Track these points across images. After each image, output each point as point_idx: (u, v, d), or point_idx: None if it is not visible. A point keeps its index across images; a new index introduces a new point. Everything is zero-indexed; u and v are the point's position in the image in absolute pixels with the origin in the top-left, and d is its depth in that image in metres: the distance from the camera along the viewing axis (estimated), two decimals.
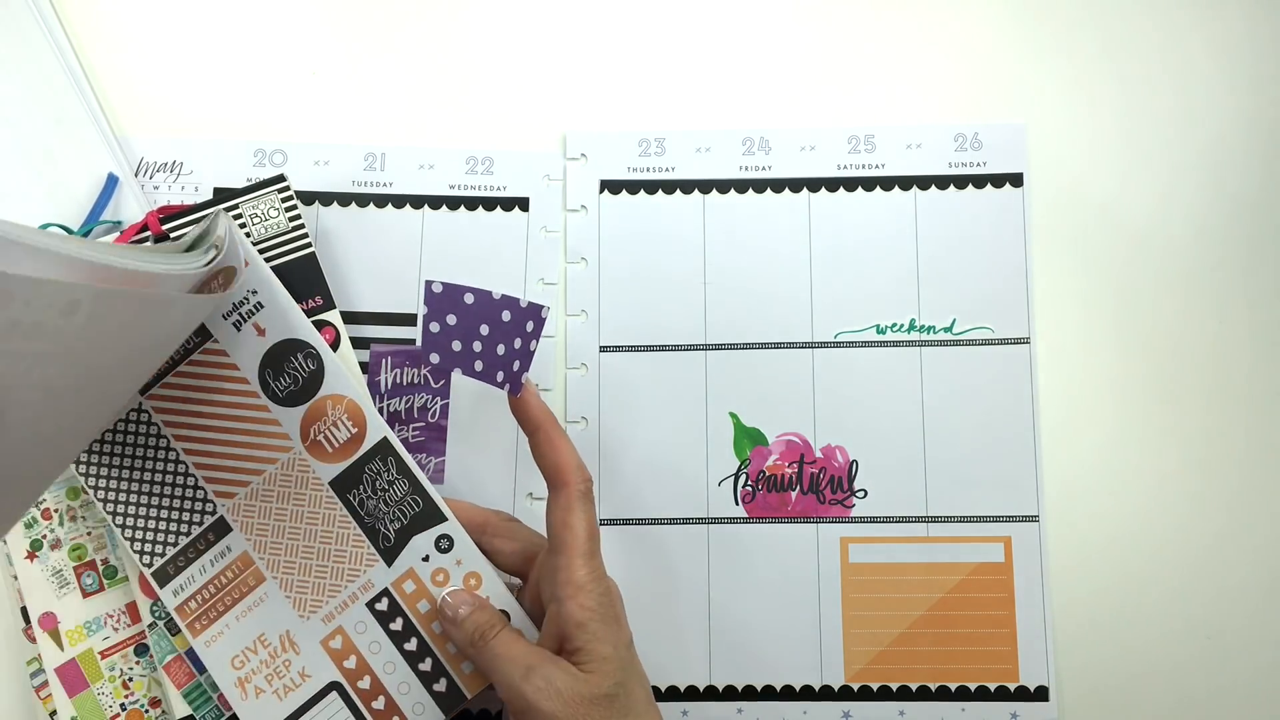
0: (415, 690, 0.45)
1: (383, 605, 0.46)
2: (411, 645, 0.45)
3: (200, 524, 0.46)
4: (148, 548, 0.46)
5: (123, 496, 0.47)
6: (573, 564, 0.41)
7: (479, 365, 0.43)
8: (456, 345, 0.43)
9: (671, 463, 0.52)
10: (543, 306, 0.43)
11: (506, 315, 0.43)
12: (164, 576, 0.46)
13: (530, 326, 0.43)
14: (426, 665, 0.45)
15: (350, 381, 0.47)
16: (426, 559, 0.46)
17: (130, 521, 0.46)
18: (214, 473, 0.47)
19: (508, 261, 0.53)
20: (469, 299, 0.42)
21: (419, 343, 0.43)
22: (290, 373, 0.47)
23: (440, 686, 0.45)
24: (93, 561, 0.48)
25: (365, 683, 0.45)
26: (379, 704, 0.45)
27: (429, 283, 0.42)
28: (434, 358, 0.43)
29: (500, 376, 0.44)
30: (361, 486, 0.46)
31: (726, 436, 0.52)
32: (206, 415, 0.47)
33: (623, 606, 0.44)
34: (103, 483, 0.47)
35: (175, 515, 0.46)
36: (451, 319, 0.42)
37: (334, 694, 0.45)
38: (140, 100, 0.55)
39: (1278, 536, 0.51)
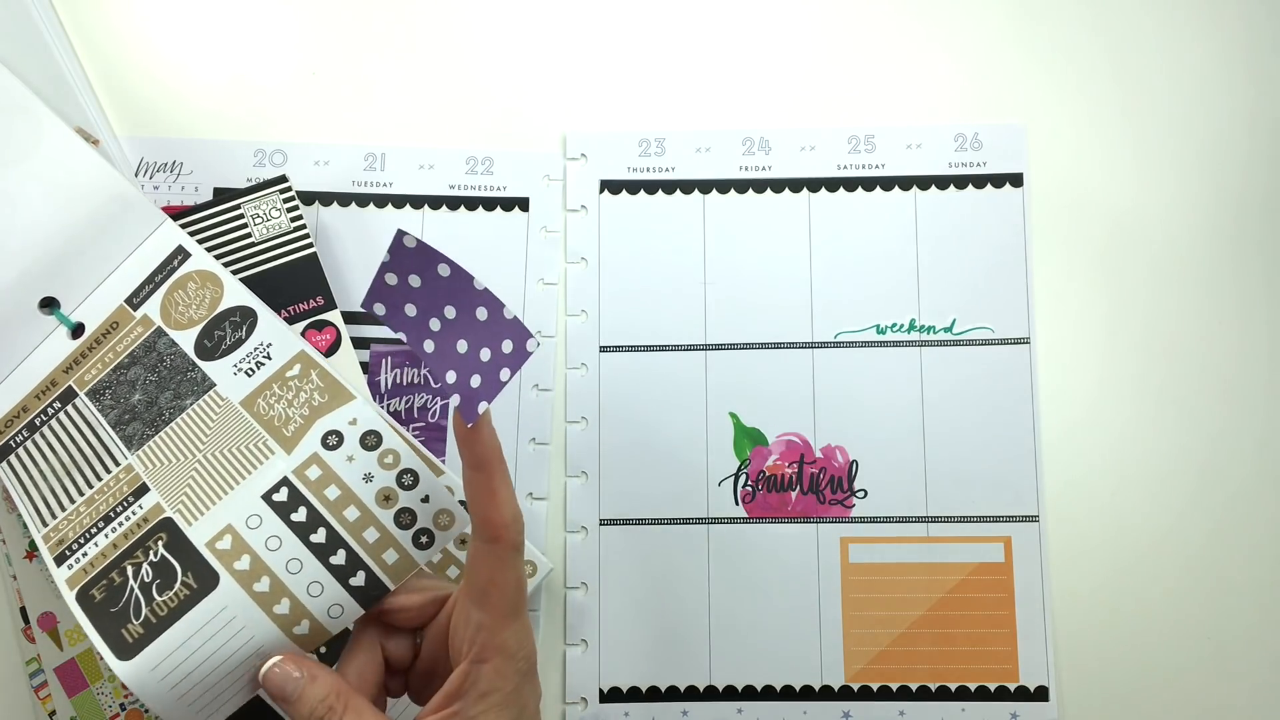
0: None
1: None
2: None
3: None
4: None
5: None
6: (498, 624, 0.37)
7: (429, 346, 0.36)
8: (410, 310, 0.36)
9: (671, 463, 0.52)
10: (531, 338, 0.35)
11: (483, 313, 0.36)
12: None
13: (509, 348, 0.35)
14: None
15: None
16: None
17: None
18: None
19: (508, 261, 0.53)
20: (443, 270, 0.35)
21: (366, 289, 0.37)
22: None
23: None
24: None
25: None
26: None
27: (401, 232, 0.35)
28: (379, 309, 0.36)
29: (453, 384, 0.36)
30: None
31: (726, 436, 0.52)
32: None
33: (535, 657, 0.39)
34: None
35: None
36: (415, 280, 0.35)
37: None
38: (140, 100, 0.55)
39: (1278, 536, 0.51)
